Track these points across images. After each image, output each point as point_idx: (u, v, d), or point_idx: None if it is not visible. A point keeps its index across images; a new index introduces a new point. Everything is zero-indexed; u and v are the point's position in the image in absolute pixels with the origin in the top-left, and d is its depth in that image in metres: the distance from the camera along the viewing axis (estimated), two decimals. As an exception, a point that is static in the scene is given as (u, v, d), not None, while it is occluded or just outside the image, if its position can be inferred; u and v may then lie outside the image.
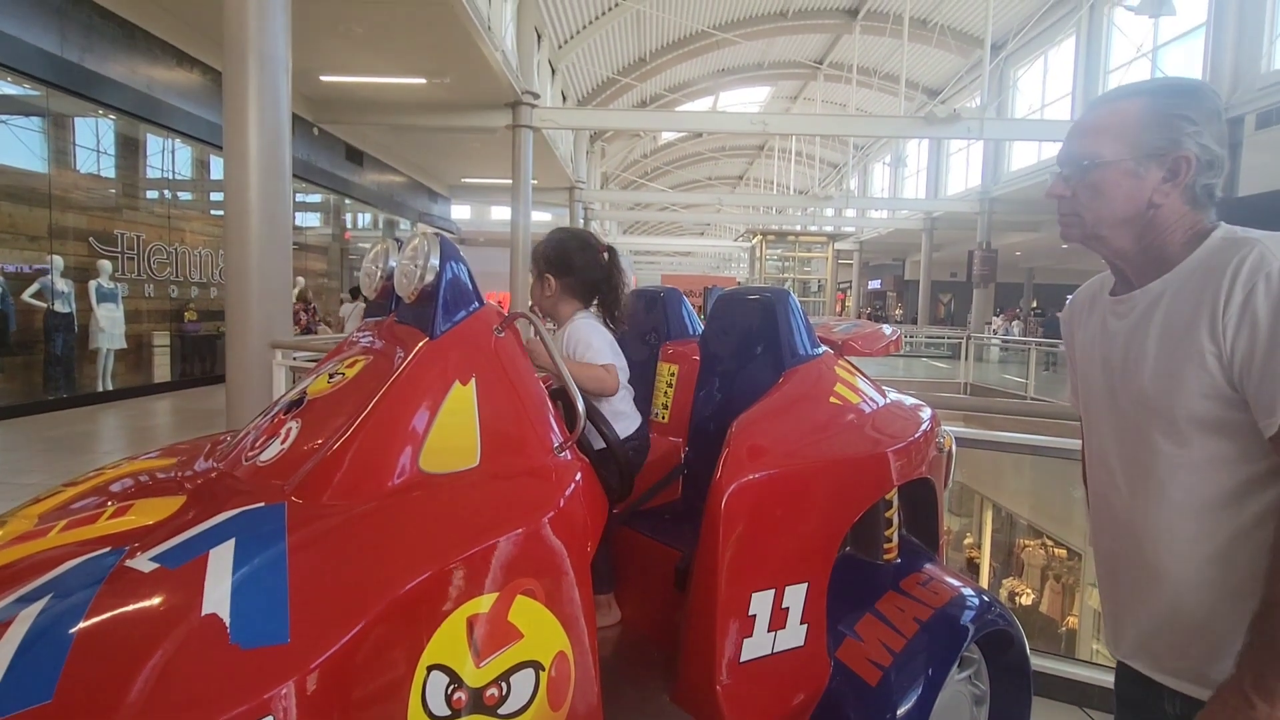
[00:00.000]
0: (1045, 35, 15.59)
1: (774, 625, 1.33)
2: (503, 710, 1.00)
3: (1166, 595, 0.97)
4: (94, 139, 8.78)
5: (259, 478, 1.10)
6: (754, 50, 21.28)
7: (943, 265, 25.49)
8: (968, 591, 1.52)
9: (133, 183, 9.40)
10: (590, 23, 17.14)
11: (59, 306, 7.92)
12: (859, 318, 27.65)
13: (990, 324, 18.65)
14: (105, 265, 8.50)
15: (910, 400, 1.84)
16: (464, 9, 8.69)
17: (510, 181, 12.89)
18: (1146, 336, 0.97)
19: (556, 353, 1.29)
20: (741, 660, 1.29)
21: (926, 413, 1.74)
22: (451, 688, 0.95)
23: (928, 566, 1.58)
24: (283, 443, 1.16)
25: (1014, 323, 18.91)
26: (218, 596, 0.82)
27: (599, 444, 1.49)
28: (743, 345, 1.79)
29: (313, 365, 4.65)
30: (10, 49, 6.93)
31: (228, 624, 0.79)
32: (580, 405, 1.23)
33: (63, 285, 7.95)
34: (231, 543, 0.91)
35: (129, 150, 9.32)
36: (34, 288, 7.67)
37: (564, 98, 18.25)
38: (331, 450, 1.08)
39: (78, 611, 0.80)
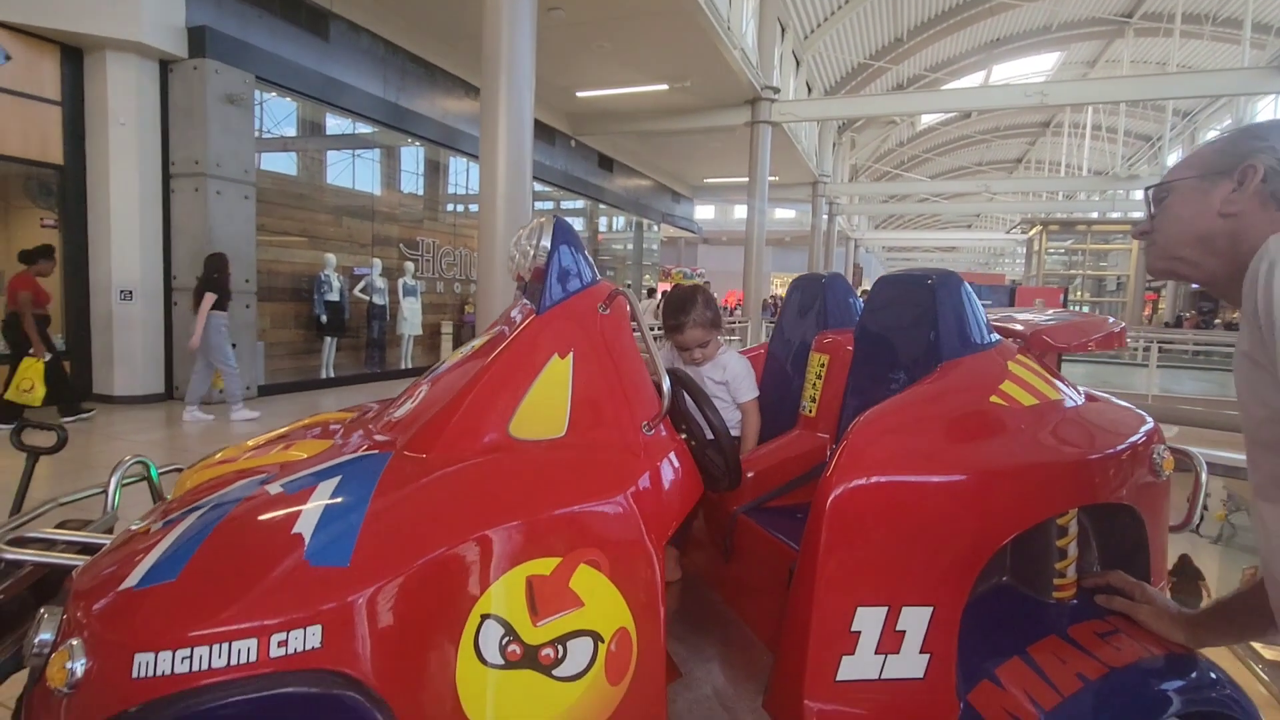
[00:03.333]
0: None
1: (884, 648, 1.16)
2: (557, 672, 1.03)
3: None
4: (403, 164, 10.76)
5: (386, 431, 1.27)
6: (1037, 12, 18.55)
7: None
8: (1178, 657, 1.16)
9: (432, 198, 11.32)
10: (839, 8, 16.43)
11: (377, 300, 9.87)
12: (1180, 323, 22.46)
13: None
14: (409, 266, 10.38)
15: (1124, 408, 1.46)
16: (703, 13, 8.93)
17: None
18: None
19: (649, 336, 1.28)
20: (837, 679, 1.15)
21: (1142, 425, 1.37)
22: (506, 640, 1.00)
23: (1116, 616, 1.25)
24: (411, 403, 1.32)
25: None
26: (308, 520, 0.96)
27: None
28: (901, 334, 1.58)
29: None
30: (356, 98, 8.81)
31: (306, 543, 0.93)
32: (666, 384, 1.20)
33: (380, 283, 9.88)
34: (337, 479, 1.06)
35: (430, 171, 11.25)
36: (361, 284, 9.66)
37: (809, 89, 17.75)
38: (436, 411, 1.20)
39: (218, 517, 1.00)
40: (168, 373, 7.39)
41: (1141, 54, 20.23)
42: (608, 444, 1.18)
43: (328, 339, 9.09)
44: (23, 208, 7.56)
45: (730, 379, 1.95)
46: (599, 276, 1.38)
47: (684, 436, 1.38)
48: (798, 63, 16.53)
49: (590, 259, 1.38)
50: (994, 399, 1.31)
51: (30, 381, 5.57)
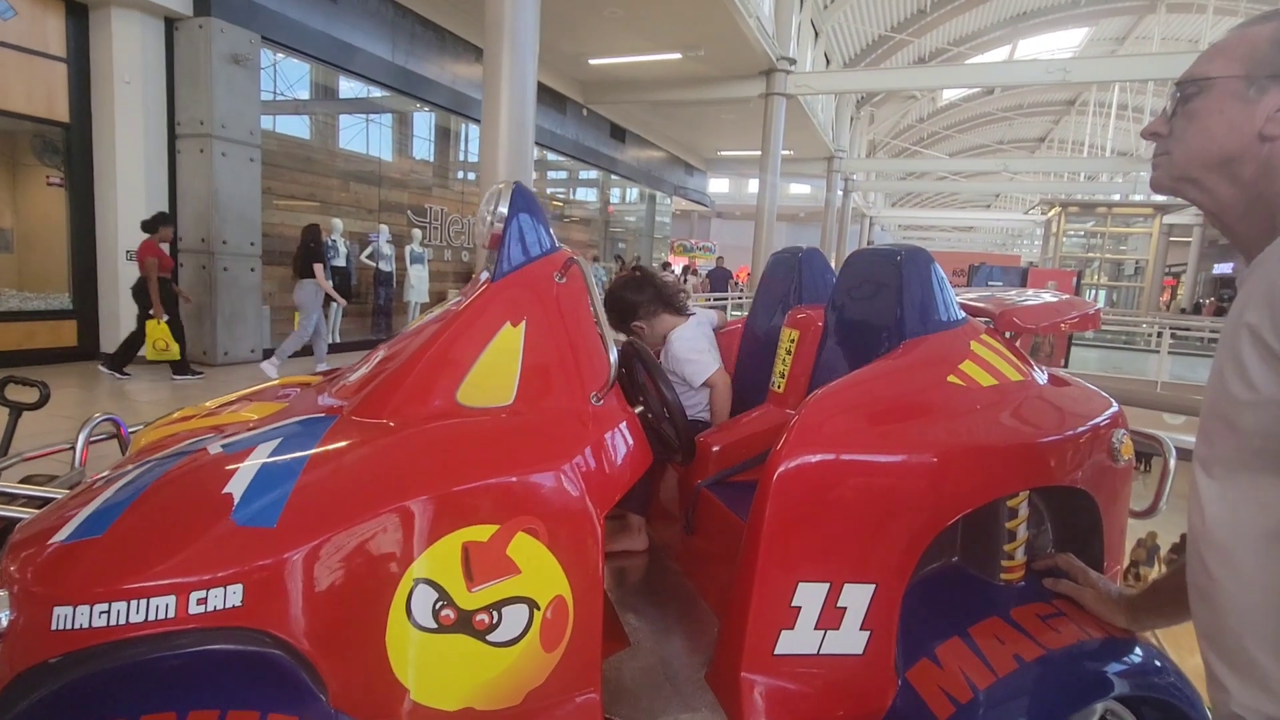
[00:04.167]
0: None
1: (824, 624, 1.16)
2: (491, 638, 1.04)
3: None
4: (411, 129, 10.66)
5: (337, 395, 1.27)
6: (1067, -15, 17.96)
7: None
8: (1119, 642, 1.16)
9: (441, 165, 11.24)
10: (861, -23, 15.98)
11: (383, 266, 9.87)
12: (1199, 310, 22.06)
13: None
14: (417, 233, 10.35)
15: (1090, 391, 1.44)
16: (716, -22, 8.71)
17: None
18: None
19: (600, 308, 1.27)
20: (775, 653, 1.15)
21: (1104, 409, 1.35)
22: (440, 604, 1.01)
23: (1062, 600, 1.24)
24: (366, 368, 1.32)
25: None
26: (240, 480, 0.97)
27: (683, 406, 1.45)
28: (869, 310, 1.56)
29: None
30: (364, 61, 8.73)
31: (235, 503, 0.93)
32: (613, 355, 1.19)
33: (387, 249, 9.87)
34: (277, 441, 1.07)
35: (440, 137, 11.16)
36: (367, 250, 9.65)
37: (827, 61, 17.35)
38: (385, 377, 1.20)
39: (155, 475, 1.01)
40: (174, 333, 7.45)
41: (1173, 31, 19.58)
42: (555, 413, 1.18)
43: (333, 305, 9.10)
44: (29, 165, 7.58)
45: (673, 366, 1.88)
46: (558, 244, 1.36)
47: (640, 409, 1.38)
48: (816, 33, 16.14)
49: (549, 226, 1.37)
50: (951, 378, 1.29)
51: (164, 341, 6.13)
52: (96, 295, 7.11)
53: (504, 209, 1.30)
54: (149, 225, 6.17)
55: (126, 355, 6.33)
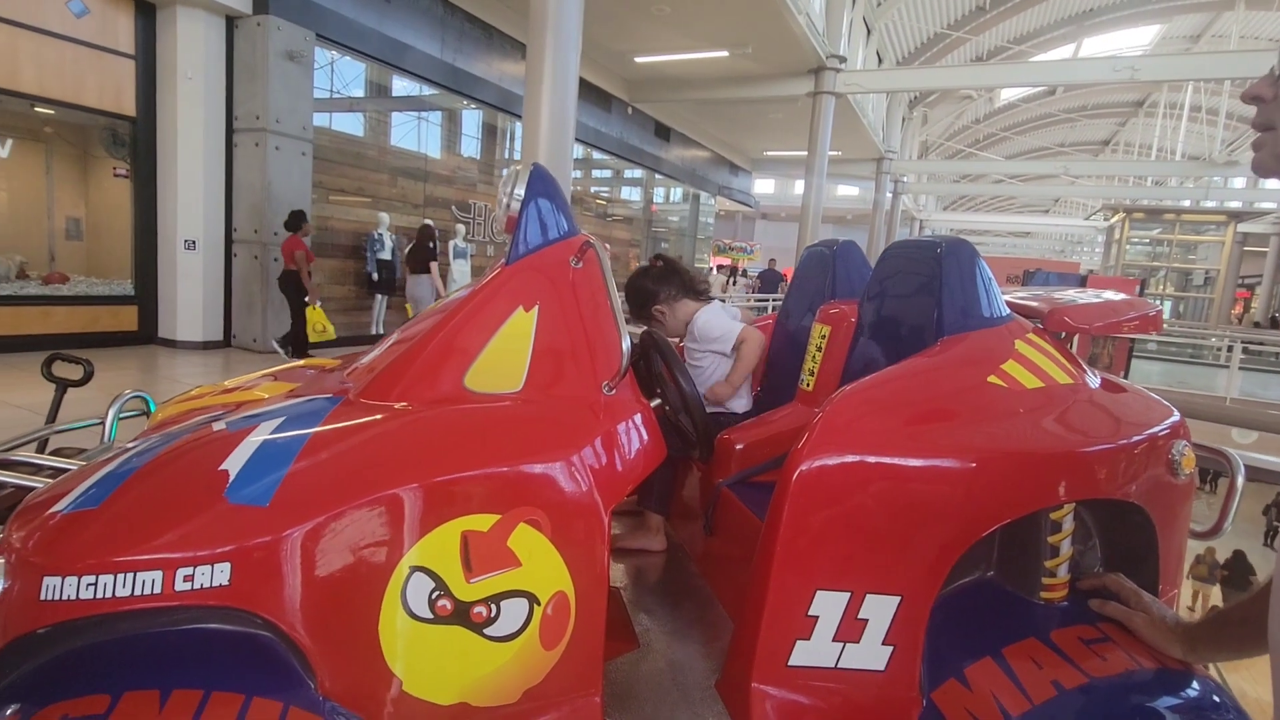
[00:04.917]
0: None
1: (843, 635, 1.09)
2: (489, 631, 1.00)
3: None
4: (458, 126, 10.81)
5: (349, 378, 1.25)
6: (1138, -20, 17.14)
7: None
8: (1173, 673, 1.05)
9: (487, 161, 11.37)
10: (918, -27, 15.56)
11: (427, 260, 10.03)
12: (1275, 325, 20.82)
13: None
14: (460, 228, 10.49)
15: (1148, 399, 1.32)
16: (765, -26, 8.58)
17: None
18: None
19: (615, 295, 1.22)
20: (789, 664, 1.08)
21: (1164, 418, 1.23)
22: (436, 593, 0.97)
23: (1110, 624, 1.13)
24: (379, 351, 1.30)
25: None
26: (238, 458, 0.95)
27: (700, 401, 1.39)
28: (905, 305, 1.47)
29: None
30: (414, 58, 8.88)
31: (230, 480, 0.91)
32: (625, 344, 1.14)
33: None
34: (280, 420, 1.05)
35: (486, 134, 11.29)
36: (411, 244, 9.82)
37: (879, 59, 16.94)
38: (393, 360, 1.17)
39: (157, 450, 1.00)
40: (226, 321, 7.71)
41: (1252, 29, 18.47)
42: (564, 401, 1.13)
43: (379, 296, 9.31)
44: (99, 157, 7.94)
45: (704, 346, 1.86)
46: (577, 228, 1.32)
47: (658, 402, 1.32)
48: (868, 30, 15.78)
49: (569, 209, 1.32)
50: (992, 379, 1.20)
51: (321, 324, 6.84)
52: (157, 282, 7.40)
53: (520, 190, 1.26)
54: (291, 224, 6.78)
55: (300, 343, 6.84)
